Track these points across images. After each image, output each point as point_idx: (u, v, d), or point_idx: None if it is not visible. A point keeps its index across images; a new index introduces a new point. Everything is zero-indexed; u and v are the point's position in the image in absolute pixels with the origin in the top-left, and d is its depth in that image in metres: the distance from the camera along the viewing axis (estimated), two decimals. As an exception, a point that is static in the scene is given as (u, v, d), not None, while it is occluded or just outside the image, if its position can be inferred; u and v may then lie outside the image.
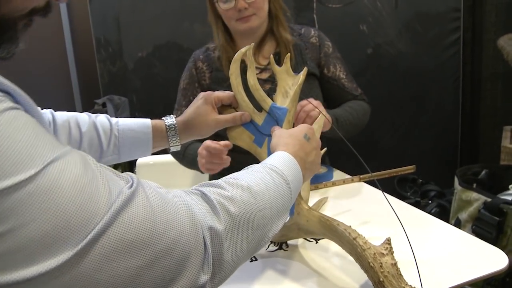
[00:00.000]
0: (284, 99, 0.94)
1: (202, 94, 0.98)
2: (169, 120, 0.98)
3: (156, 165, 2.04)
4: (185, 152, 1.38)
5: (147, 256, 0.46)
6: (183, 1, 2.53)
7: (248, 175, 0.62)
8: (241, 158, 1.01)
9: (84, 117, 0.95)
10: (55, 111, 0.94)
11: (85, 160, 0.47)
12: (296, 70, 1.01)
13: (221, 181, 0.59)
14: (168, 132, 0.97)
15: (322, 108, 1.12)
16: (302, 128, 0.83)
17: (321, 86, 1.48)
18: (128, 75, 2.77)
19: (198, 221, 0.51)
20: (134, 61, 2.73)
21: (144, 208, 0.47)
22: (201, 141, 1.20)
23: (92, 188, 0.44)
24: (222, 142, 1.16)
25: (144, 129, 0.96)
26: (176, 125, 0.97)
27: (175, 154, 1.43)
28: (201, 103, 0.97)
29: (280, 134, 0.82)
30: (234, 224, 0.54)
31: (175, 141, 0.98)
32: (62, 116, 0.93)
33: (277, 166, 0.67)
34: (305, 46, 1.47)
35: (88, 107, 2.78)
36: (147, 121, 0.97)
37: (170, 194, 0.53)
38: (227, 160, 1.17)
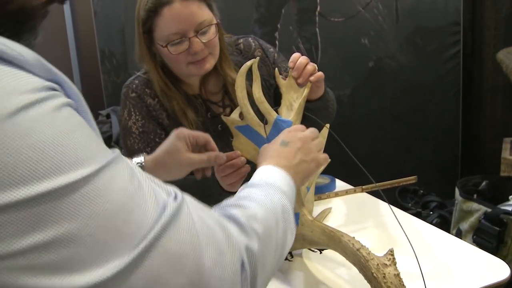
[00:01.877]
0: (288, 112, 0.96)
1: (174, 130, 0.92)
2: (137, 159, 0.93)
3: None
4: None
5: (191, 272, 0.44)
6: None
7: (258, 195, 0.61)
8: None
9: None
10: None
11: (131, 168, 0.46)
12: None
13: (237, 200, 0.59)
14: None
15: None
16: (278, 138, 0.82)
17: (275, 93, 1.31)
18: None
19: (236, 240, 0.50)
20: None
21: (189, 223, 0.46)
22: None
23: (140, 196, 0.43)
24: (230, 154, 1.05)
25: None
26: (142, 163, 0.92)
27: None
28: (172, 140, 0.91)
29: (261, 151, 0.82)
30: (261, 243, 0.53)
31: None
32: None
33: (269, 178, 0.67)
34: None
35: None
36: None
37: (202, 210, 0.51)
38: (246, 170, 1.01)
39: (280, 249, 0.60)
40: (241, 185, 1.02)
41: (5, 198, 0.36)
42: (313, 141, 0.83)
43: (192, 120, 1.19)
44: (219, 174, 1.02)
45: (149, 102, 1.20)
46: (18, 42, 0.46)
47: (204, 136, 0.94)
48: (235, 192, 1.09)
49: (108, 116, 2.74)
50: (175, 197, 0.47)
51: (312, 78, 1.02)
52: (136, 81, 1.23)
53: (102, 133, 2.46)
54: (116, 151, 0.46)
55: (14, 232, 0.36)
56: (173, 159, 0.90)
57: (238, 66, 1.21)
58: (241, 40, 1.32)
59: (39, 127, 0.38)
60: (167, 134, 1.07)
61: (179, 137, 0.91)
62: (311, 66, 1.04)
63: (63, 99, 0.43)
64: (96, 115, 2.79)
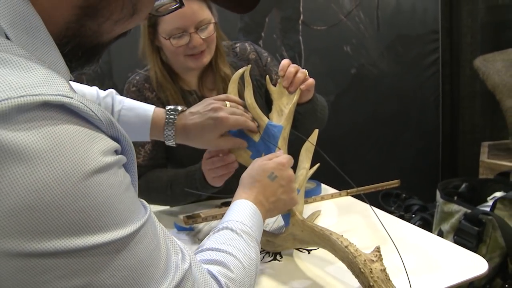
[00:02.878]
0: (279, 117, 1.00)
1: (217, 116, 0.95)
2: (170, 116, 0.96)
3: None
4: (172, 186, 1.25)
5: None
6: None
7: (238, 252, 0.67)
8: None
9: (92, 100, 0.97)
10: None
11: (154, 226, 0.52)
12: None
13: (223, 259, 0.64)
14: (165, 128, 0.96)
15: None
16: (270, 165, 0.86)
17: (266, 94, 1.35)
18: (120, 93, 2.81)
19: None
20: (124, 81, 2.76)
21: (191, 287, 0.53)
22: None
23: (156, 254, 0.50)
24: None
25: (143, 124, 0.97)
26: (174, 123, 0.96)
27: (160, 196, 1.28)
28: (211, 126, 0.95)
29: (244, 176, 0.87)
30: None
31: (170, 138, 0.97)
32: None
33: (247, 224, 0.73)
34: (246, 65, 1.42)
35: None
36: (147, 115, 0.97)
37: (197, 269, 0.57)
38: (235, 166, 1.07)
39: None
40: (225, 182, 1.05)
41: (61, 244, 0.41)
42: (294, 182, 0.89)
43: None
44: (206, 167, 1.09)
45: (147, 95, 1.30)
46: (81, 69, 0.55)
47: (243, 120, 0.97)
48: (216, 187, 1.15)
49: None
50: (183, 258, 0.54)
51: (302, 86, 1.06)
52: (137, 77, 1.33)
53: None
54: (148, 209, 0.52)
55: (59, 275, 0.42)
56: (202, 139, 0.97)
57: (233, 66, 1.34)
58: (238, 44, 1.43)
59: (103, 190, 0.44)
60: None
61: (216, 127, 0.95)
62: (302, 74, 1.07)
63: (122, 161, 0.49)
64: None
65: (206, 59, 1.26)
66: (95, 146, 0.44)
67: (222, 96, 1.01)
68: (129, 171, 0.52)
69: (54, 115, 0.42)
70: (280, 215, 0.94)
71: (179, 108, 0.98)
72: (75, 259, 0.42)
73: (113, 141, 0.48)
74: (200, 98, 1.29)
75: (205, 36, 1.21)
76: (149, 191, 1.26)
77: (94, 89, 1.01)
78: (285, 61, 1.07)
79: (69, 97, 0.43)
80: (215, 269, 0.62)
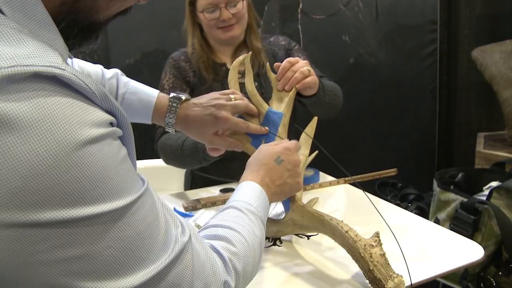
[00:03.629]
0: (279, 104, 1.01)
1: (217, 115, 0.95)
2: (173, 104, 0.97)
3: (145, 169, 2.07)
4: (183, 148, 1.35)
5: None
6: (171, 9, 2.57)
7: (242, 228, 0.68)
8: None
9: (97, 81, 0.96)
10: None
11: (153, 199, 0.52)
12: (275, 72, 1.06)
13: (227, 234, 0.65)
14: (167, 116, 0.97)
15: (310, 68, 1.10)
16: (277, 150, 0.87)
17: None
18: (115, 81, 2.80)
19: (219, 275, 0.58)
20: (122, 68, 2.71)
21: (189, 259, 0.53)
22: None
23: (154, 226, 0.50)
24: None
25: (146, 109, 0.98)
26: (176, 111, 0.96)
27: (174, 156, 1.38)
28: (210, 122, 0.95)
29: (251, 160, 0.87)
30: (238, 277, 0.62)
31: (170, 125, 0.97)
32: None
33: (253, 204, 0.74)
34: (277, 50, 1.55)
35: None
36: (150, 101, 0.98)
37: (198, 242, 0.58)
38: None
39: (255, 271, 0.69)
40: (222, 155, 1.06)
41: (55, 215, 0.42)
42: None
43: (210, 81, 1.45)
44: None
45: (182, 65, 1.49)
46: (79, 47, 0.54)
47: (244, 104, 0.98)
48: (213, 158, 1.18)
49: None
50: (183, 232, 0.55)
51: (298, 85, 1.05)
52: (177, 52, 1.54)
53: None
54: (145, 181, 0.52)
55: (54, 245, 0.42)
56: (199, 131, 0.97)
57: (267, 52, 1.53)
58: (274, 36, 1.61)
59: (96, 161, 0.44)
60: (192, 90, 1.47)
61: (216, 123, 0.95)
62: (299, 74, 1.05)
63: (117, 133, 0.49)
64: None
65: (235, 32, 1.44)
66: (88, 117, 0.44)
67: (228, 91, 1.01)
68: (126, 144, 0.52)
69: (46, 86, 0.42)
70: (281, 201, 0.95)
71: (183, 97, 0.98)
72: (70, 229, 0.42)
73: (108, 114, 0.48)
74: (228, 70, 1.34)
75: (234, 12, 1.39)
76: (165, 149, 1.39)
77: (99, 68, 1.01)
78: (285, 63, 1.05)
79: (61, 69, 0.43)
80: (218, 244, 0.63)
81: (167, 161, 1.42)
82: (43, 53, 0.43)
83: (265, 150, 0.88)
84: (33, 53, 0.42)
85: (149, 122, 1.00)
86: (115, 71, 1.02)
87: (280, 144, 0.89)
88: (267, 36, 1.61)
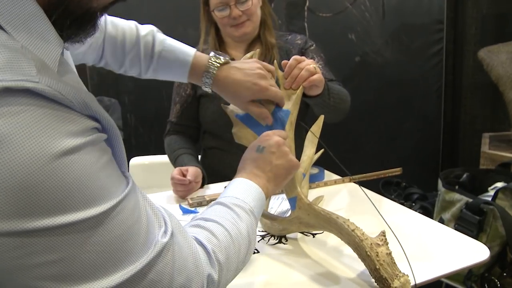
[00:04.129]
0: (287, 102, 1.01)
1: (260, 83, 0.95)
2: (212, 64, 0.96)
3: (150, 165, 2.08)
4: (175, 162, 1.51)
5: None
6: (177, 5, 2.58)
7: (226, 220, 0.68)
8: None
9: (131, 37, 0.98)
10: None
11: (136, 200, 0.52)
12: (282, 70, 1.06)
13: (211, 226, 0.65)
14: (204, 76, 0.96)
15: (316, 67, 1.09)
16: (255, 142, 0.87)
17: None
18: (120, 76, 2.80)
19: (202, 269, 0.58)
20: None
21: (170, 257, 0.53)
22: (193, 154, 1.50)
23: (135, 228, 0.50)
24: (190, 173, 1.32)
25: (182, 68, 0.97)
26: (214, 71, 0.96)
27: (169, 156, 1.57)
28: (249, 88, 0.95)
29: (246, 151, 0.87)
30: (221, 270, 0.62)
31: (207, 85, 0.97)
32: (113, 29, 0.97)
33: (239, 197, 0.73)
34: (292, 48, 1.55)
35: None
36: (187, 60, 0.97)
37: (182, 237, 0.58)
38: (192, 186, 1.33)
39: (240, 266, 0.69)
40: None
41: (29, 225, 0.42)
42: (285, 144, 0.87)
43: None
44: (171, 185, 1.34)
45: None
46: (75, 39, 0.53)
47: (280, 93, 0.98)
48: None
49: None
50: (165, 231, 0.55)
51: (305, 83, 1.05)
52: None
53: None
54: (130, 183, 0.52)
55: (29, 252, 0.43)
56: (235, 97, 0.97)
57: (281, 47, 1.55)
58: (292, 34, 1.62)
59: (73, 171, 0.44)
60: (197, 88, 1.54)
61: (253, 95, 0.95)
62: (306, 72, 1.04)
63: (99, 139, 0.49)
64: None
65: (247, 29, 1.47)
66: (64, 127, 0.44)
67: (271, 67, 1.00)
68: (112, 145, 0.52)
69: (18, 100, 0.41)
70: (287, 198, 0.95)
71: (222, 58, 0.97)
72: (47, 238, 0.43)
73: (90, 120, 0.48)
74: None
75: (244, 9, 1.42)
76: (166, 149, 1.59)
77: (133, 24, 1.00)
78: (292, 61, 1.05)
79: (34, 82, 0.42)
80: (202, 234, 0.63)
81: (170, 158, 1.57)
82: (15, 65, 0.42)
83: (247, 149, 0.88)
84: (2, 67, 0.41)
85: (185, 81, 1.00)
86: (150, 27, 1.01)
87: (260, 136, 0.89)
88: (285, 34, 1.63)
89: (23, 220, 0.41)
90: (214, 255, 0.61)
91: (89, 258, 0.45)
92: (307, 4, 2.40)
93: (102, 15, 0.56)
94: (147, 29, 1.00)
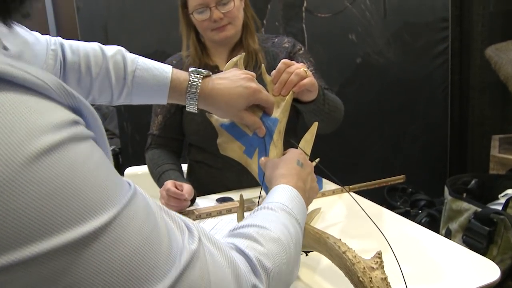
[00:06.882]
0: (275, 109, 0.93)
1: (250, 85, 0.89)
2: (194, 78, 0.88)
3: (144, 175, 2.01)
4: (159, 179, 1.39)
5: None
6: (171, 10, 2.51)
7: (272, 223, 0.61)
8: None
9: (96, 59, 0.87)
10: None
11: (147, 203, 0.43)
12: (269, 74, 0.98)
13: (253, 232, 0.57)
14: (188, 91, 0.88)
15: (307, 70, 1.01)
16: (293, 154, 0.82)
17: None
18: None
19: (244, 280, 0.50)
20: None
21: (203, 269, 0.44)
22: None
23: (155, 237, 0.41)
24: (185, 190, 1.21)
25: (161, 87, 0.88)
26: (198, 85, 0.87)
27: (152, 172, 1.46)
28: (241, 94, 0.88)
29: (273, 164, 0.80)
30: (270, 279, 0.54)
31: (192, 104, 0.89)
32: (73, 54, 0.86)
33: (288, 205, 0.67)
34: (279, 52, 1.47)
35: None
36: (165, 77, 0.88)
37: (213, 244, 0.50)
38: (185, 204, 1.23)
39: (289, 278, 0.61)
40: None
41: (13, 257, 0.32)
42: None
43: None
44: (162, 199, 1.24)
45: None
46: (8, 20, 0.42)
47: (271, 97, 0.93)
48: None
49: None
50: (191, 237, 0.46)
51: (295, 89, 0.97)
52: (171, 57, 1.54)
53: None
54: (132, 185, 0.43)
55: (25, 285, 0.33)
56: (227, 107, 0.89)
57: (266, 51, 1.47)
58: (279, 37, 1.53)
59: (59, 172, 0.34)
60: None
61: (248, 98, 0.89)
62: (295, 76, 0.97)
63: (85, 134, 0.39)
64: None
65: (229, 32, 1.37)
66: (41, 120, 0.35)
67: (252, 73, 0.94)
68: (99, 145, 0.42)
69: None
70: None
71: (204, 71, 0.90)
72: (30, 271, 0.33)
73: (70, 112, 0.38)
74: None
75: (225, 11, 1.33)
76: (147, 165, 1.47)
77: (96, 45, 0.90)
78: (280, 67, 0.97)
79: None
80: (243, 243, 0.55)
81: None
82: None
83: (282, 159, 0.82)
84: None
85: (165, 102, 0.91)
86: (116, 47, 0.91)
87: (290, 151, 0.84)
88: (272, 36, 1.54)
89: (5, 252, 0.32)
90: (259, 263, 0.53)
91: (102, 280, 0.36)
92: (305, 4, 2.34)
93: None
94: (113, 49, 0.90)
